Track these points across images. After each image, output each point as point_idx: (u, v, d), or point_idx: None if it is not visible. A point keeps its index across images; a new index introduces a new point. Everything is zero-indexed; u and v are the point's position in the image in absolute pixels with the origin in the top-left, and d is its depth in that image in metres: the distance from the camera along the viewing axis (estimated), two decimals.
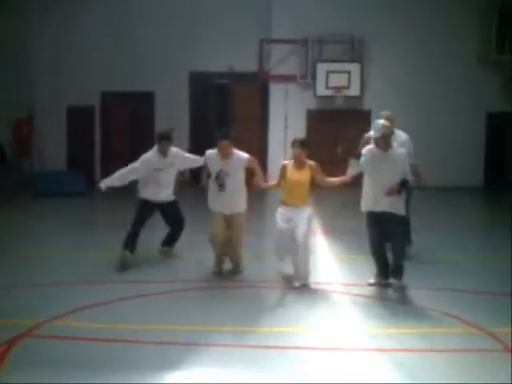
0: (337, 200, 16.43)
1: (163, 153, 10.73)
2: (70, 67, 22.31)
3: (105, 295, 8.57)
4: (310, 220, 9.27)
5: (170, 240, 11.30)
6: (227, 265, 9.99)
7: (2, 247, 11.38)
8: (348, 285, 9.30)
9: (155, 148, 10.82)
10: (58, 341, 7.02)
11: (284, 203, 9.37)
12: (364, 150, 9.26)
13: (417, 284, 9.31)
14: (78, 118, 22.60)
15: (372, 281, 9.28)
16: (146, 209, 10.97)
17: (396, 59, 21.25)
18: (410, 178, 9.17)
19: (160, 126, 22.81)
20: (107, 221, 15.76)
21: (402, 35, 21.12)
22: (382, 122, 9.21)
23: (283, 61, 21.58)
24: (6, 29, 20.21)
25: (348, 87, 20.86)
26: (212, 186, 9.74)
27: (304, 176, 9.28)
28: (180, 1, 22.29)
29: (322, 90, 20.96)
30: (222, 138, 9.52)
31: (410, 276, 9.70)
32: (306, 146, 9.40)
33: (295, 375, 6.18)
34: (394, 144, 9.20)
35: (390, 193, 8.86)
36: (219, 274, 9.86)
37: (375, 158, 9.05)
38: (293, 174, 9.32)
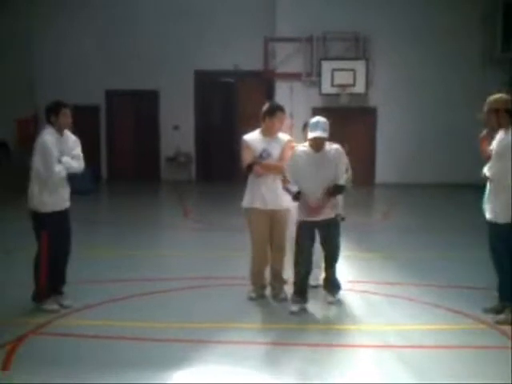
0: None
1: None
2: (75, 66, 22.26)
3: (109, 293, 8.58)
4: None
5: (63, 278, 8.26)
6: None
7: (5, 245, 11.37)
8: (354, 282, 9.28)
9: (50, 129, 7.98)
10: (64, 338, 7.03)
11: None
12: (296, 152, 7.94)
13: (421, 281, 9.33)
14: (83, 116, 22.52)
15: (295, 308, 7.94)
16: (58, 227, 8.01)
17: (401, 56, 21.19)
18: (346, 179, 7.98)
19: (165, 123, 22.93)
20: (112, 219, 15.81)
21: (406, 32, 21.05)
22: (324, 120, 7.83)
23: (288, 59, 21.51)
24: (10, 28, 20.18)
25: (353, 85, 20.78)
26: (251, 177, 8.34)
27: None
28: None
29: (327, 88, 20.90)
30: (283, 110, 8.37)
31: (414, 273, 9.73)
32: None
33: (303, 372, 6.17)
34: (326, 142, 7.86)
35: (316, 211, 7.84)
36: (259, 297, 8.53)
37: (310, 161, 7.82)
38: None
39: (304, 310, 7.95)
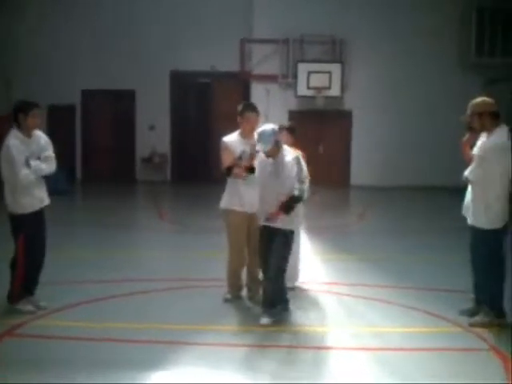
0: (321, 198, 16.37)
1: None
2: (51, 66, 22.16)
3: (86, 294, 8.51)
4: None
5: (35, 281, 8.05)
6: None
7: None
8: (331, 284, 9.30)
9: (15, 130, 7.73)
10: (40, 340, 6.97)
11: None
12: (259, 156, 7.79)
13: (398, 283, 9.37)
14: (59, 116, 22.49)
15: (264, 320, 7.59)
16: (34, 228, 7.91)
17: (377, 60, 21.30)
18: (300, 189, 7.54)
19: (141, 124, 22.87)
20: (87, 220, 15.73)
21: (383, 36, 21.15)
22: (270, 127, 7.57)
23: (264, 60, 21.56)
24: None
25: (329, 87, 20.85)
26: (230, 180, 8.31)
27: None
28: (162, 0, 22.21)
29: (303, 90, 20.95)
30: (252, 110, 8.32)
31: (391, 276, 9.76)
32: (293, 133, 8.93)
33: (280, 374, 6.16)
34: (285, 147, 7.73)
35: (272, 217, 7.53)
36: (235, 299, 8.53)
37: (265, 167, 7.66)
38: None
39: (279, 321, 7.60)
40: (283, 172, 7.51)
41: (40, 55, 22.20)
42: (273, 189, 7.54)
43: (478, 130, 7.53)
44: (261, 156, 7.71)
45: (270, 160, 7.59)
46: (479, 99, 7.56)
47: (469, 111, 7.52)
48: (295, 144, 8.67)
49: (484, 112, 7.40)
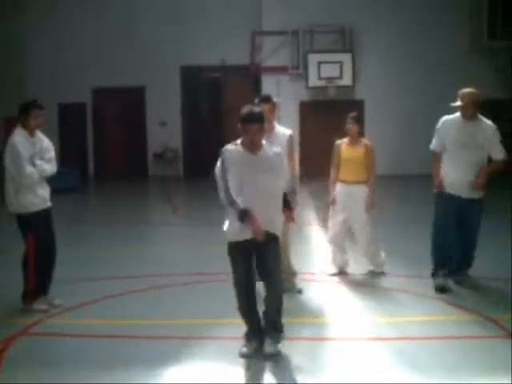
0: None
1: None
2: (61, 65, 22.20)
3: (100, 291, 8.50)
4: (366, 204, 9.15)
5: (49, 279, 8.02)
6: None
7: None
8: (347, 274, 9.23)
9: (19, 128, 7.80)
10: (55, 338, 6.97)
11: (341, 181, 9.25)
12: (227, 151, 6.37)
13: (414, 272, 9.30)
14: (70, 114, 22.52)
15: (245, 349, 6.35)
16: (43, 227, 7.90)
17: (387, 48, 21.20)
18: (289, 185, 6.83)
19: (152, 120, 22.88)
20: (100, 216, 15.73)
21: (392, 24, 21.04)
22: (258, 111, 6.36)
23: (274, 52, 21.50)
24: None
25: (340, 77, 20.80)
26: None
27: (357, 153, 9.28)
28: None
29: (314, 81, 20.90)
30: (266, 102, 8.41)
31: (407, 265, 9.66)
32: (359, 122, 9.52)
33: (296, 366, 6.13)
34: (263, 142, 6.32)
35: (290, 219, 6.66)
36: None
37: (244, 164, 6.21)
38: (347, 151, 9.31)
39: (258, 352, 6.36)
40: (269, 168, 6.20)
41: (50, 55, 22.21)
42: (256, 189, 6.18)
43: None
44: (233, 148, 6.33)
45: (248, 154, 6.23)
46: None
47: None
48: (361, 133, 9.38)
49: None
